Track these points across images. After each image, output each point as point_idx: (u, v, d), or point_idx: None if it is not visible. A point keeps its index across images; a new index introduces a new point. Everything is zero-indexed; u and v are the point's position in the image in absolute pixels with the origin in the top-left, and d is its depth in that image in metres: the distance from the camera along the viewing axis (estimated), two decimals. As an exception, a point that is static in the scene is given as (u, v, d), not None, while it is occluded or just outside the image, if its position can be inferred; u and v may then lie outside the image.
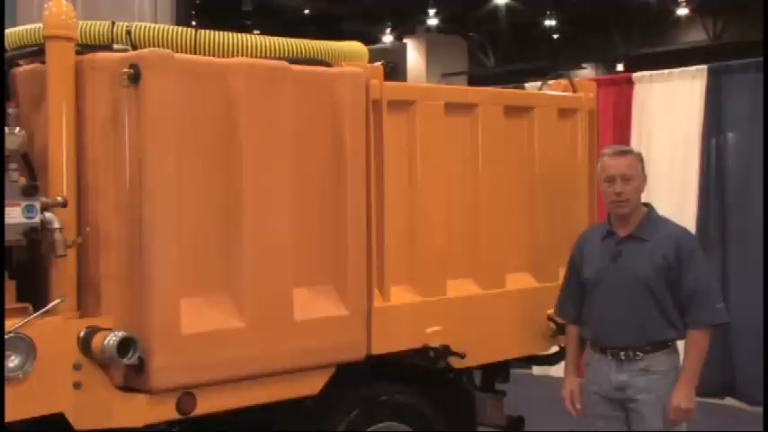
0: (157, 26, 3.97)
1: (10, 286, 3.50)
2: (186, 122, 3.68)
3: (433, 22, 25.72)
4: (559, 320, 4.79)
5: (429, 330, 4.42)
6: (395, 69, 4.78)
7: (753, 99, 7.33)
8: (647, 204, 4.47)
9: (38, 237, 3.48)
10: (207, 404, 3.77)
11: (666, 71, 8.23)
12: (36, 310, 3.45)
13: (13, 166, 3.47)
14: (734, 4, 22.51)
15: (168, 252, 3.61)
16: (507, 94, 5.42)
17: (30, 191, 3.45)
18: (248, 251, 3.80)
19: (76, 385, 3.49)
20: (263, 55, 4.07)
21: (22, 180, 3.49)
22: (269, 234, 3.87)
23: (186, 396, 3.71)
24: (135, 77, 3.53)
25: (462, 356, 4.48)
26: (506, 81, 12.16)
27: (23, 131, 3.49)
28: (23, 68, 3.91)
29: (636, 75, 8.41)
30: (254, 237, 3.82)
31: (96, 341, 3.47)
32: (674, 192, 7.85)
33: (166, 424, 3.75)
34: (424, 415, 4.61)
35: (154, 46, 3.85)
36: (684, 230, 4.47)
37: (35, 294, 3.56)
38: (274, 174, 3.89)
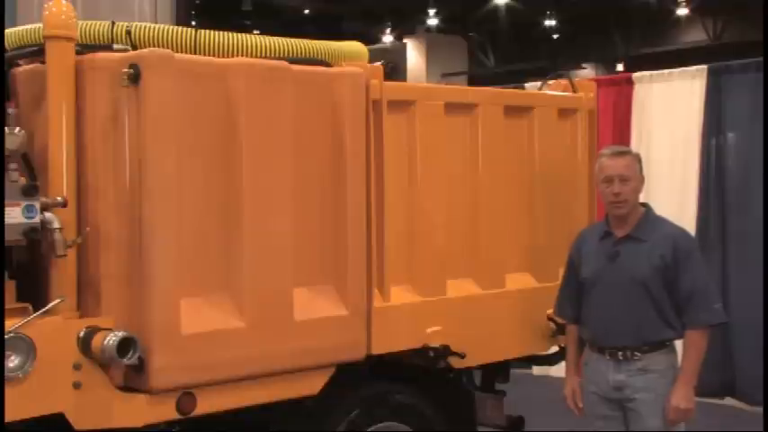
0: (157, 26, 3.97)
1: (10, 286, 3.50)
2: (186, 122, 3.68)
3: (433, 22, 25.72)
4: (559, 320, 4.80)
5: (429, 330, 4.42)
6: (395, 69, 4.78)
7: (753, 99, 7.34)
8: (644, 204, 4.47)
9: (38, 237, 3.48)
10: (207, 404, 3.77)
11: (666, 71, 8.23)
12: (36, 310, 3.45)
13: (13, 166, 3.47)
14: (734, 4, 22.51)
15: (168, 252, 3.61)
16: (507, 94, 5.42)
17: (30, 191, 3.45)
18: (248, 251, 3.80)
19: (76, 385, 3.49)
20: (263, 55, 4.07)
21: (22, 180, 3.49)
22: (269, 234, 3.87)
23: (186, 396, 3.71)
24: (135, 77, 3.53)
25: (462, 356, 4.48)
26: (506, 81, 12.16)
27: (23, 131, 3.49)
28: (23, 68, 3.91)
29: (636, 75, 8.41)
30: (254, 237, 3.82)
31: (96, 341, 3.47)
32: (674, 192, 7.85)
33: (166, 424, 3.75)
34: (424, 415, 4.61)
35: (154, 46, 3.85)
36: (682, 231, 4.47)
37: (35, 294, 3.56)
38: (274, 174, 3.89)
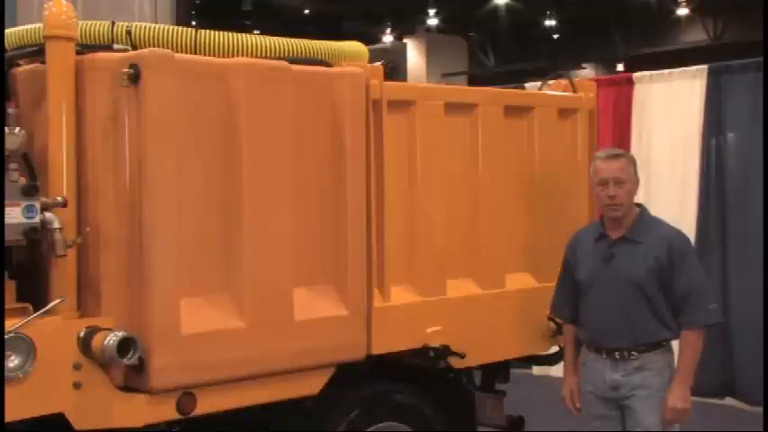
0: (157, 26, 3.97)
1: (10, 286, 3.50)
2: (186, 122, 3.68)
3: (433, 22, 25.72)
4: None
5: (429, 330, 4.42)
6: (395, 69, 4.78)
7: (753, 99, 7.33)
8: (639, 205, 4.47)
9: (38, 237, 3.48)
10: (207, 404, 3.77)
11: (666, 71, 8.23)
12: (36, 310, 3.45)
13: (13, 166, 3.46)
14: (734, 4, 22.50)
15: (168, 252, 3.61)
16: (507, 94, 5.42)
17: (30, 191, 3.45)
18: (248, 251, 3.80)
19: (76, 385, 3.49)
20: (263, 55, 4.07)
21: (22, 180, 3.49)
22: (269, 234, 3.87)
23: (186, 396, 3.71)
24: (135, 77, 3.53)
25: (462, 356, 4.48)
26: (506, 81, 12.15)
27: (23, 131, 3.49)
28: (23, 68, 3.91)
29: (636, 75, 8.41)
30: (254, 237, 3.82)
31: (96, 341, 3.47)
32: (674, 192, 7.86)
33: (166, 424, 3.75)
34: (424, 415, 4.61)
35: (154, 46, 3.85)
36: (677, 231, 4.45)
37: (35, 294, 3.56)
38: (274, 174, 3.89)
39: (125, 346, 3.45)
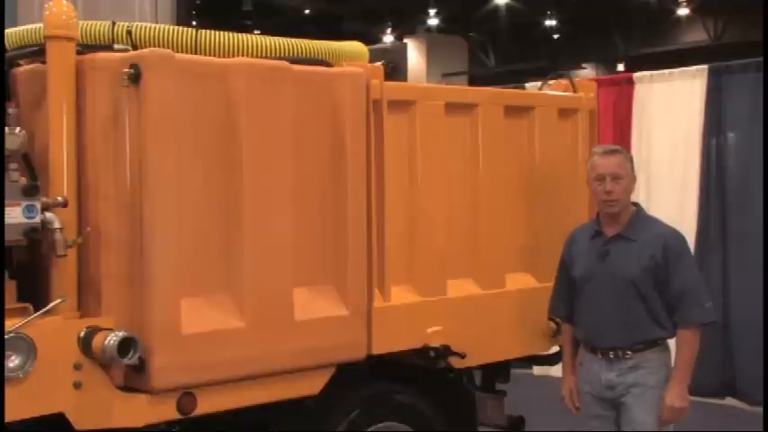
0: (158, 26, 3.97)
1: (10, 286, 3.50)
2: (187, 122, 3.68)
3: (433, 22, 25.72)
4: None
5: (429, 330, 4.42)
6: (395, 69, 4.77)
7: (753, 99, 7.34)
8: (635, 203, 4.47)
9: (38, 237, 3.48)
10: (207, 404, 3.77)
11: (667, 71, 8.23)
12: (36, 310, 3.45)
13: (13, 166, 3.46)
14: (734, 4, 22.50)
15: (168, 252, 3.61)
16: (507, 94, 5.42)
17: (30, 191, 3.45)
18: (248, 251, 3.80)
19: (77, 385, 3.49)
20: (264, 55, 4.07)
21: (23, 180, 3.49)
22: (269, 234, 3.87)
23: (186, 396, 3.71)
24: (135, 77, 3.53)
25: (463, 356, 4.48)
26: (507, 81, 12.16)
27: (24, 131, 3.49)
28: (24, 68, 3.91)
29: (636, 75, 8.41)
30: (255, 237, 3.82)
31: (97, 341, 3.47)
32: (674, 192, 7.86)
33: (166, 424, 3.75)
34: (424, 415, 4.61)
35: (154, 46, 3.85)
36: (672, 230, 4.44)
37: (35, 294, 3.56)
38: (274, 174, 3.89)
39: (125, 346, 3.45)
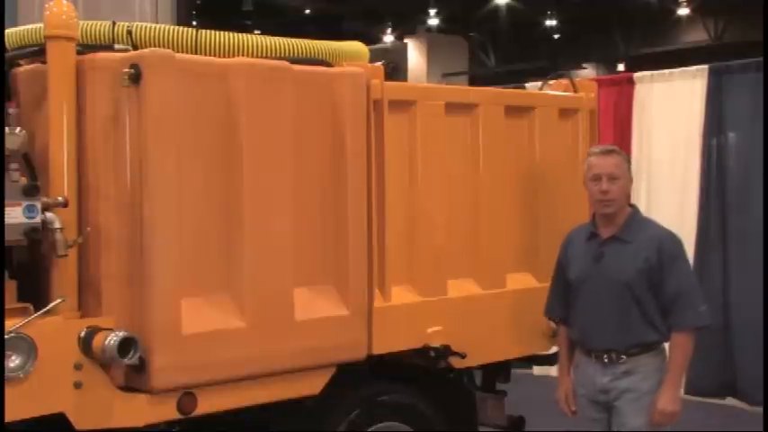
0: (158, 26, 3.97)
1: (11, 286, 3.50)
2: (187, 122, 3.68)
3: (433, 22, 25.72)
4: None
5: (430, 330, 4.42)
6: (396, 69, 4.77)
7: (753, 99, 7.33)
8: (632, 205, 4.46)
9: (38, 237, 3.48)
10: (207, 404, 3.77)
11: (667, 71, 8.23)
12: (37, 310, 3.45)
13: (13, 166, 3.47)
14: (734, 4, 22.51)
15: (169, 252, 3.61)
16: (508, 93, 5.42)
17: (30, 191, 3.45)
18: (249, 251, 3.81)
19: (77, 385, 3.49)
20: (264, 55, 4.07)
21: (23, 180, 3.50)
22: (269, 234, 3.87)
23: (187, 396, 3.71)
24: (136, 77, 3.53)
25: (463, 356, 4.48)
26: (507, 81, 12.16)
27: (24, 131, 3.50)
28: (24, 68, 3.91)
29: (637, 75, 8.41)
30: (255, 237, 3.82)
31: (97, 341, 3.47)
32: (674, 192, 7.85)
33: (167, 424, 3.75)
34: (424, 415, 4.61)
35: (155, 46, 3.85)
36: (668, 232, 4.42)
37: (36, 294, 3.56)
38: (275, 174, 3.89)
39: (126, 345, 3.45)
